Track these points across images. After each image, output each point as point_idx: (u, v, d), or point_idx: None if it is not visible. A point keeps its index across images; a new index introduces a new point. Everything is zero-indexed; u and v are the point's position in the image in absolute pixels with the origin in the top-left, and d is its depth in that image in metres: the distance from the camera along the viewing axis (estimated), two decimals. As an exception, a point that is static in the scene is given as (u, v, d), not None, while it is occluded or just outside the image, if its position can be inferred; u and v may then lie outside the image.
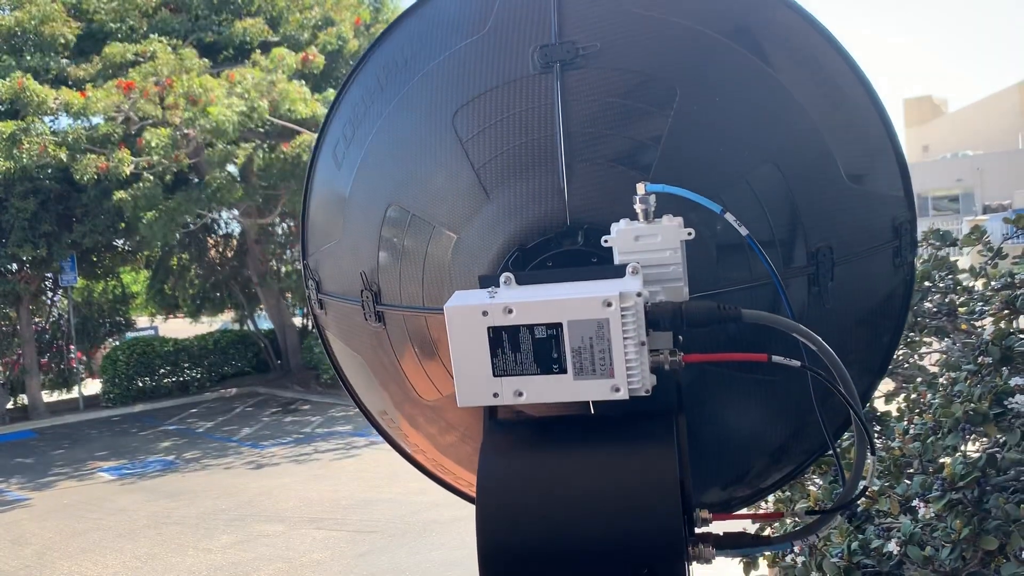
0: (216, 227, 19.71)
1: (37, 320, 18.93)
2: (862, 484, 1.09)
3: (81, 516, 9.52)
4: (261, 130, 13.81)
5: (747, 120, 1.17)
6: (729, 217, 0.94)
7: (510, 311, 0.88)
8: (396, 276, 1.14)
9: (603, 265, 0.95)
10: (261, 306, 20.16)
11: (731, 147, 1.16)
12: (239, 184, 14.72)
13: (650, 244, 0.93)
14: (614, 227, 0.95)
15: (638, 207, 0.94)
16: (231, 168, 14.55)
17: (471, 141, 1.13)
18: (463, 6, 1.26)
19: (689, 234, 0.94)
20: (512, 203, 1.06)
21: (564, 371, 0.89)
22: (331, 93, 14.55)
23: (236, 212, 17.28)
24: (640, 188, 0.93)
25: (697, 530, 1.09)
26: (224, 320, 22.53)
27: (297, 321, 20.42)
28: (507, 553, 0.85)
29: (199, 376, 19.42)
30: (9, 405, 18.09)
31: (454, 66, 1.18)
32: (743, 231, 0.94)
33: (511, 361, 0.89)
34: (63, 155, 12.66)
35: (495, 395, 0.89)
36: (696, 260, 1.02)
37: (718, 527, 1.20)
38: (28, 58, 14.40)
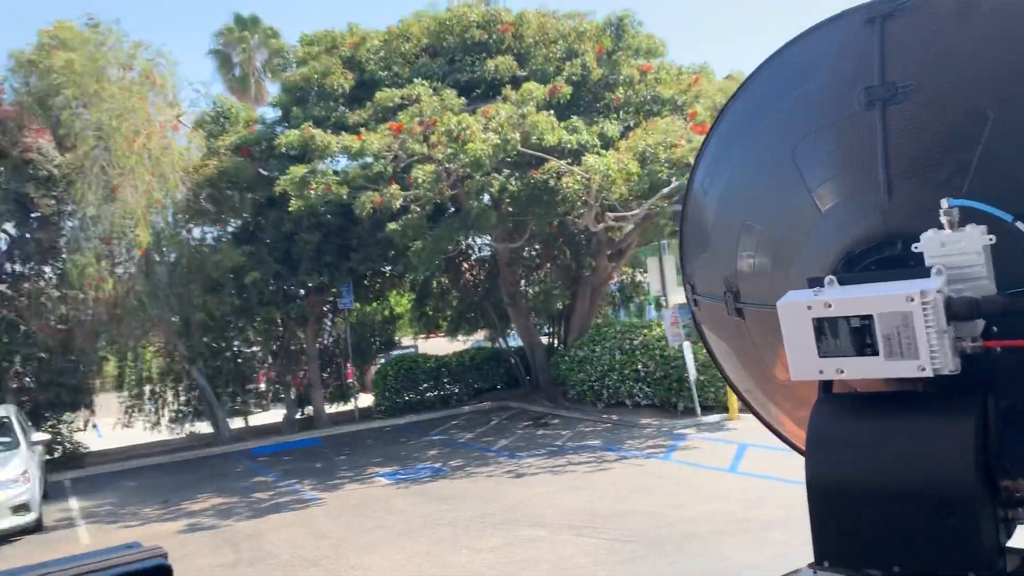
0: (470, 252, 21.13)
1: (319, 340, 21.29)
2: None
3: (366, 515, 10.61)
4: (509, 160, 14.66)
5: None
6: (1020, 225, 1.11)
7: (829, 306, 1.12)
8: (750, 279, 1.41)
9: (911, 267, 1.15)
10: (511, 325, 21.24)
11: None
12: (493, 211, 15.72)
13: (954, 249, 1.11)
14: (923, 236, 1.15)
15: (943, 218, 1.13)
16: (485, 197, 15.58)
17: (807, 170, 1.37)
18: (805, 56, 1.49)
19: (991, 239, 1.12)
20: (841, 219, 1.29)
21: (877, 353, 1.11)
22: (576, 120, 15.11)
23: (489, 237, 18.41)
24: (943, 203, 1.13)
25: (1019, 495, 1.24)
26: (477, 339, 24.02)
27: (544, 340, 21.30)
28: (828, 486, 1.09)
29: (457, 391, 20.87)
30: (298, 415, 20.48)
31: (794, 109, 1.43)
32: None
33: (832, 345, 1.12)
34: (344, 193, 14.19)
35: (820, 372, 1.13)
36: None
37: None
38: (313, 108, 16.40)
